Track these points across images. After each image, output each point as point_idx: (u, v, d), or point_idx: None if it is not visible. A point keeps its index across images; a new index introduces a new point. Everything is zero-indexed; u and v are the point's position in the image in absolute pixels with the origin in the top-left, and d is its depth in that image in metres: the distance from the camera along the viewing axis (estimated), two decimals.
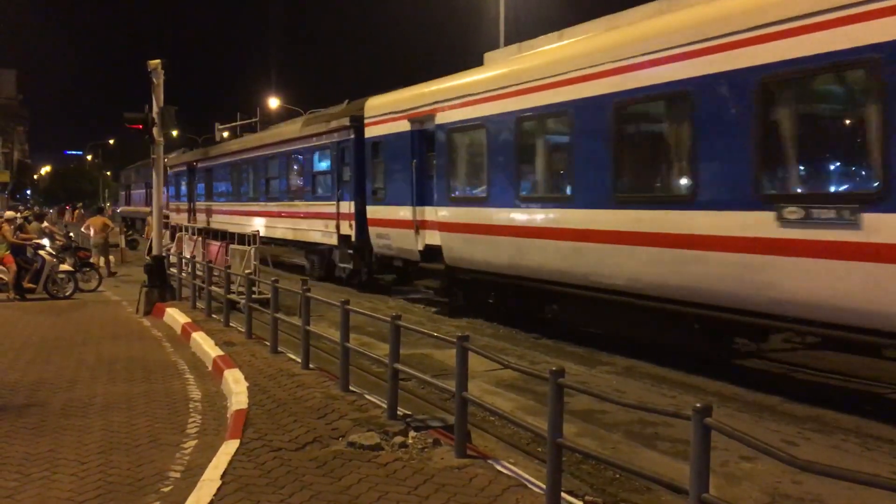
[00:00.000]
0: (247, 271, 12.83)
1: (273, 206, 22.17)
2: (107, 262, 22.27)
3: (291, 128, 21.59)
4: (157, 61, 15.35)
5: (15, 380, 8.98)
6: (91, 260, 19.82)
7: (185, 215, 31.16)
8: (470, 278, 13.23)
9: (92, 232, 22.73)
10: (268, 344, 10.31)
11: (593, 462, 6.08)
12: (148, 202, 36.41)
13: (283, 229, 21.22)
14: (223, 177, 27.49)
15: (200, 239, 17.85)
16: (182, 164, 32.58)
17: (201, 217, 28.87)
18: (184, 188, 32.45)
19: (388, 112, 15.47)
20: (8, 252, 16.16)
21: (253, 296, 12.03)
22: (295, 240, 20.79)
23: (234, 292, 13.38)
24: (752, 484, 5.87)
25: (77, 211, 59.93)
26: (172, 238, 20.36)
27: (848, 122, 7.91)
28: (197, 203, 30.40)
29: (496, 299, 13.23)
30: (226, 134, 37.46)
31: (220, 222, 25.66)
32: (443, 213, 13.44)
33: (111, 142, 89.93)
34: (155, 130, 15.40)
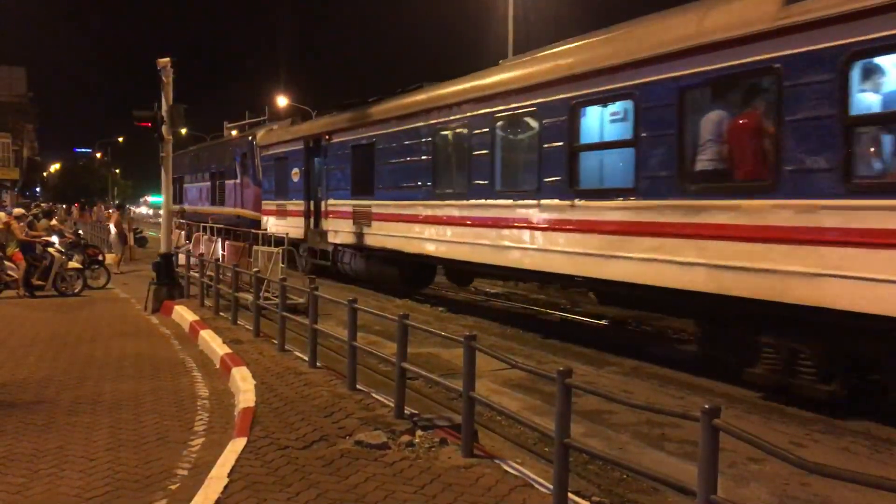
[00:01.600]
0: (254, 269, 12.85)
1: (572, 211, 10.51)
2: (118, 259, 22.55)
3: (668, 33, 9.04)
4: (167, 59, 15.43)
5: (24, 377, 9.02)
6: (107, 258, 19.93)
7: (294, 221, 20.59)
8: None
9: (113, 228, 23.18)
10: (275, 342, 10.33)
11: (600, 462, 6.08)
12: (215, 199, 28.54)
13: (595, 259, 10.09)
14: (408, 153, 15.20)
15: (219, 240, 17.85)
16: (294, 142, 21.18)
17: (337, 225, 18.26)
18: (295, 179, 20.93)
19: None
20: (17, 249, 16.27)
21: (265, 299, 12.03)
22: (661, 286, 9.13)
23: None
24: (760, 485, 5.85)
25: (95, 207, 59.87)
26: (189, 238, 20.46)
27: None
28: (330, 202, 18.82)
29: None
30: (234, 132, 34.34)
31: (395, 235, 15.54)
32: None
33: (120, 140, 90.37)
34: (164, 128, 15.48)
